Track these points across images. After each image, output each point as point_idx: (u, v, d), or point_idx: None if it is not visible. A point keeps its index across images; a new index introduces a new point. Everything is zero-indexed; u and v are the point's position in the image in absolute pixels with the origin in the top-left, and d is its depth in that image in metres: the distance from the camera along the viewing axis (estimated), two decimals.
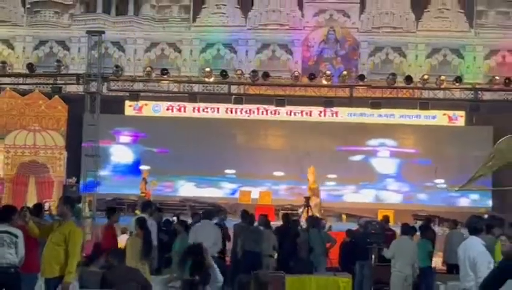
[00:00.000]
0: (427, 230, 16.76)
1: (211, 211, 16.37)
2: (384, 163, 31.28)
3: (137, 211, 21.46)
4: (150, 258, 14.02)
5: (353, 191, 31.06)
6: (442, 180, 29.42)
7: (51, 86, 27.23)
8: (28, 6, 33.78)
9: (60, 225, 10.87)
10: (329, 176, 30.76)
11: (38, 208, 14.07)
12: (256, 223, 16.73)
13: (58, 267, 10.43)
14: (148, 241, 14.31)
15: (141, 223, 14.93)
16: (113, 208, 16.15)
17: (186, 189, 30.66)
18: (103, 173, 27.87)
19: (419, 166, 30.72)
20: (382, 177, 31.23)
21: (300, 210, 24.85)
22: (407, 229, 15.41)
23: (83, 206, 20.46)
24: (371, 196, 30.91)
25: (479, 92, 28.53)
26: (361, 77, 29.64)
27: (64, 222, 10.80)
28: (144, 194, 26.20)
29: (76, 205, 17.36)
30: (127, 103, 30.56)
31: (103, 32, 22.89)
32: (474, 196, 28.33)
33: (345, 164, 30.95)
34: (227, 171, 29.97)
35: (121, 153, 31.27)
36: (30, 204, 19.80)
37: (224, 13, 33.51)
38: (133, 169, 30.72)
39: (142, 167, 30.46)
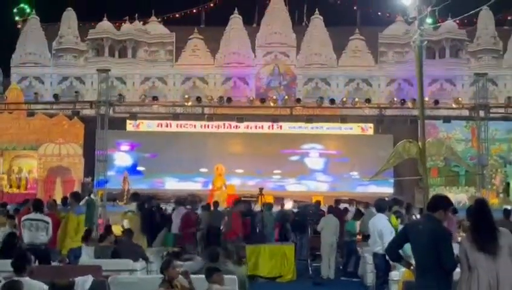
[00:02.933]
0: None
1: (183, 199, 16.27)
2: (315, 161, 31.32)
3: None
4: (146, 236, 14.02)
5: (293, 182, 31.03)
6: (357, 173, 29.66)
7: (71, 110, 27.17)
8: (53, 52, 33.54)
9: (68, 212, 11.15)
10: (275, 171, 30.93)
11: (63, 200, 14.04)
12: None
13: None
14: (145, 221, 14.29)
15: (140, 207, 14.89)
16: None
17: (171, 183, 30.38)
18: (110, 173, 27.75)
19: (340, 163, 30.90)
20: (313, 172, 31.26)
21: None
22: (332, 210, 15.59)
23: (96, 198, 20.23)
24: (305, 186, 30.85)
25: (383, 109, 28.86)
26: (298, 100, 29.98)
27: (71, 211, 11.10)
28: (124, 190, 25.95)
29: (88, 197, 17.28)
30: (128, 121, 30.44)
31: (109, 70, 22.64)
32: (381, 184, 28.50)
33: (287, 163, 31.00)
34: (201, 169, 29.86)
35: (123, 158, 30.96)
36: (57, 197, 19.81)
37: (198, 55, 33.52)
38: (132, 170, 30.38)
39: (139, 168, 30.50)
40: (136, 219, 14.50)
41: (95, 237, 12.28)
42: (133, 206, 16.04)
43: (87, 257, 10.87)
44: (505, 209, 15.46)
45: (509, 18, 33.46)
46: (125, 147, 31.21)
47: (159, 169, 30.71)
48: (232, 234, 14.57)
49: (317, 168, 31.35)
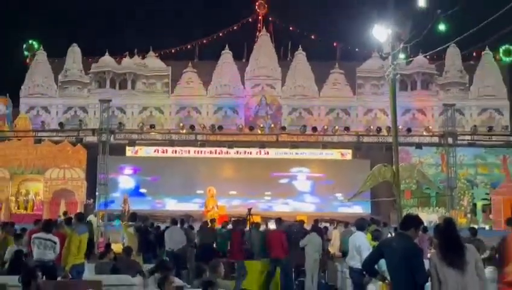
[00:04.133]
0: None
1: (175, 219, 16.18)
2: (302, 184, 31.23)
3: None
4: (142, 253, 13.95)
5: (282, 203, 30.82)
6: (340, 194, 29.54)
7: (75, 137, 27.10)
8: (59, 84, 33.56)
9: (72, 231, 11.19)
10: (266, 193, 30.79)
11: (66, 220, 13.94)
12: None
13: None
14: (141, 240, 14.21)
15: (137, 229, 14.80)
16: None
17: (171, 204, 30.21)
18: (115, 195, 27.98)
19: (326, 185, 30.77)
20: (301, 193, 31.14)
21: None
22: (316, 228, 15.54)
23: (97, 218, 20.13)
24: (293, 207, 30.64)
25: (360, 137, 28.97)
26: (283, 128, 30.05)
27: (74, 230, 11.17)
28: (125, 211, 25.75)
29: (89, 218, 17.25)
30: (127, 148, 30.44)
31: (110, 100, 22.67)
32: (359, 205, 28.50)
33: (276, 185, 30.92)
34: (198, 191, 29.74)
35: (126, 181, 30.84)
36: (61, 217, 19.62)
37: (192, 87, 33.64)
38: (135, 192, 30.40)
39: (142, 190, 30.43)
40: (134, 238, 14.44)
41: (95, 254, 12.20)
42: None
43: (89, 272, 10.85)
44: (471, 228, 15.53)
45: (474, 54, 33.75)
46: (128, 171, 31.12)
47: (160, 191, 30.64)
48: (236, 253, 14.51)
49: (305, 190, 31.26)
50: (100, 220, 19.91)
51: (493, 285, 7.59)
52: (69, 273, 10.41)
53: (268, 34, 34.88)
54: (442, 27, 11.00)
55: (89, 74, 33.75)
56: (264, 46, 34.00)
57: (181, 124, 31.03)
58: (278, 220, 15.23)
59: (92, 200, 26.91)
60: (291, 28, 37.12)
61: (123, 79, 33.66)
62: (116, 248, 14.08)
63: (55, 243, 10.80)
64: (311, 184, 31.22)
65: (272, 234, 14.78)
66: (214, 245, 15.79)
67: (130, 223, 15.80)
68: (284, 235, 14.47)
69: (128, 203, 26.43)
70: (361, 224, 11.04)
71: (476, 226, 19.46)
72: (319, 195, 30.96)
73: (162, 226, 17.10)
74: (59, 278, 10.27)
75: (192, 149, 30.92)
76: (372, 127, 30.74)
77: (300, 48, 34.07)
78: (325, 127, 30.76)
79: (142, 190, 30.84)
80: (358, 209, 28.61)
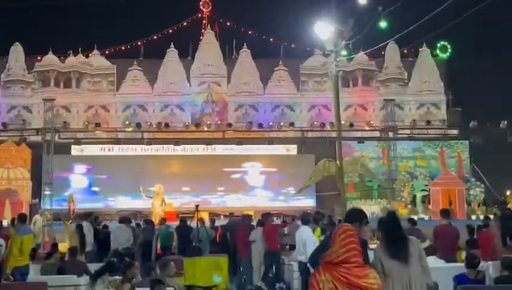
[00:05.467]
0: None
1: (124, 217, 15.87)
2: (254, 178, 31.03)
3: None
4: (84, 252, 13.65)
5: (235, 198, 30.48)
6: (292, 188, 29.30)
7: (19, 137, 26.34)
8: (2, 83, 32.53)
9: (14, 232, 10.85)
10: (219, 188, 30.47)
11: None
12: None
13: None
14: (82, 241, 13.90)
15: (78, 228, 14.51)
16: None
17: (122, 202, 29.62)
18: (66, 194, 27.40)
19: (277, 180, 30.50)
20: (253, 188, 30.93)
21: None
22: (261, 223, 15.45)
23: (42, 218, 19.57)
24: (246, 201, 30.21)
25: (305, 132, 29.20)
26: (230, 125, 29.96)
27: (17, 231, 10.81)
28: (70, 209, 25.20)
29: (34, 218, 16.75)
30: (73, 146, 29.81)
31: (54, 99, 22.21)
32: (305, 199, 28.63)
33: (229, 180, 30.61)
34: (151, 188, 29.17)
35: (78, 180, 30.10)
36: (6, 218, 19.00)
37: (137, 85, 33.17)
38: (88, 190, 29.92)
39: (94, 188, 29.84)
40: (76, 236, 14.10)
41: (41, 254, 11.82)
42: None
43: (34, 274, 10.50)
44: (410, 219, 15.77)
45: (412, 51, 34.43)
46: (80, 169, 30.38)
47: (111, 189, 29.95)
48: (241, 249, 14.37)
49: (257, 185, 31.08)
50: (45, 220, 19.35)
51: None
52: (10, 275, 10.02)
53: (213, 32, 34.70)
54: (382, 24, 11.10)
55: (33, 73, 32.80)
56: (209, 44, 33.80)
57: (127, 122, 30.57)
58: (266, 215, 15.11)
59: (37, 199, 26.18)
60: (235, 26, 37.01)
61: (67, 78, 32.87)
62: (62, 247, 13.69)
63: (0, 245, 10.40)
64: (263, 179, 31.12)
65: (266, 229, 14.68)
66: (158, 243, 15.55)
67: (72, 223, 15.44)
68: (276, 229, 14.49)
69: (73, 201, 25.82)
70: (305, 218, 11.06)
71: (416, 217, 19.82)
72: (272, 189, 30.88)
73: (111, 224, 16.79)
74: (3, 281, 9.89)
75: (139, 147, 30.47)
76: (316, 122, 31.06)
77: (245, 46, 34.03)
78: (271, 123, 30.87)
79: (95, 188, 30.19)
80: (304, 203, 28.70)
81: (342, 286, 3.84)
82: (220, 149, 30.72)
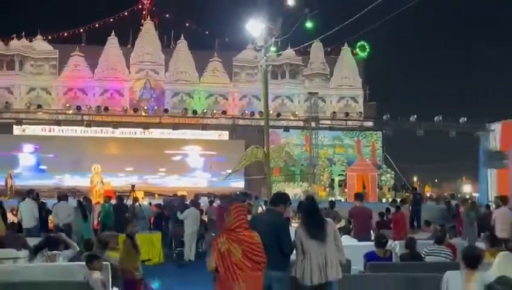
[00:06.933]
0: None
1: (63, 194, 15.34)
2: (195, 161, 30.81)
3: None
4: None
5: (176, 179, 30.19)
6: (229, 171, 29.03)
7: None
8: None
9: None
10: (160, 169, 30.21)
11: None
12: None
13: None
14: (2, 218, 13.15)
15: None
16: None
17: (69, 180, 28.95)
18: (17, 171, 26.91)
19: (216, 162, 30.26)
20: (193, 170, 30.72)
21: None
22: (195, 203, 15.46)
23: None
24: (187, 182, 29.95)
25: (236, 120, 29.27)
26: (166, 111, 29.63)
27: None
28: (8, 186, 24.25)
29: None
30: (15, 127, 28.76)
31: None
32: (235, 181, 28.69)
33: (170, 162, 30.32)
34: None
35: (26, 158, 29.27)
36: None
37: (78, 70, 32.20)
38: (36, 168, 29.23)
39: (42, 167, 28.81)
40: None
41: None
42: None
43: None
44: (330, 201, 16.16)
45: (335, 49, 35.00)
46: (28, 148, 29.45)
47: (58, 167, 29.21)
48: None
49: (197, 167, 30.87)
50: None
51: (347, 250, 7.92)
52: None
53: (152, 23, 34.09)
54: (309, 25, 11.26)
55: None
56: (148, 33, 33.21)
57: (67, 105, 29.73)
58: (196, 196, 15.03)
59: None
60: (174, 19, 36.51)
61: (10, 60, 31.48)
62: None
63: None
64: (204, 161, 30.92)
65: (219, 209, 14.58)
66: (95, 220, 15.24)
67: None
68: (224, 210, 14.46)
69: (12, 178, 24.86)
70: (234, 198, 11.15)
71: (333, 199, 20.29)
72: (211, 171, 30.63)
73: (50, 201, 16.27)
74: None
75: (79, 129, 29.71)
76: (246, 111, 31.13)
77: (182, 37, 33.66)
78: (205, 110, 30.74)
79: (43, 167, 29.42)
80: (237, 185, 28.77)
81: (234, 244, 4.87)
82: (157, 133, 30.36)
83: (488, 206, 15.58)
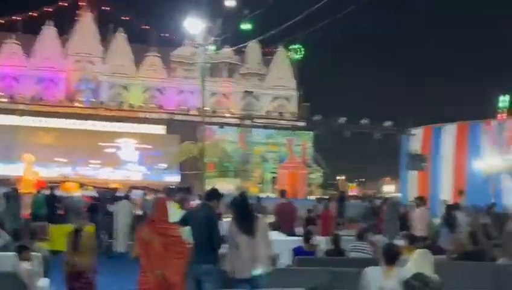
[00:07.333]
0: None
1: None
2: (129, 154, 30.23)
3: None
4: None
5: (110, 171, 29.55)
6: (166, 165, 28.58)
7: None
8: None
9: None
10: (94, 161, 29.46)
11: None
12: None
13: None
14: None
15: None
16: None
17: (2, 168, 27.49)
18: None
19: (152, 156, 29.97)
20: (127, 163, 30.16)
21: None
22: (126, 196, 15.16)
23: None
24: (121, 174, 29.43)
25: (172, 115, 29.05)
26: (102, 103, 28.99)
27: None
28: None
29: None
30: None
31: None
32: (172, 175, 28.38)
33: (103, 154, 29.65)
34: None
35: None
36: None
37: (13, 58, 31.03)
38: None
39: None
40: None
41: None
42: None
43: None
44: (257, 197, 16.31)
45: (271, 50, 35.32)
46: None
47: None
48: None
49: (132, 160, 30.33)
50: None
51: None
52: None
53: (91, 15, 33.26)
54: (247, 25, 11.35)
55: None
56: (86, 25, 32.44)
57: (1, 93, 28.60)
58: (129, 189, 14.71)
59: None
60: (114, 11, 35.72)
61: None
62: None
63: None
64: (139, 154, 30.35)
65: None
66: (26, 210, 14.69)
67: None
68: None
69: None
70: (168, 192, 11.06)
71: (265, 195, 20.51)
72: (147, 165, 30.20)
73: None
74: None
75: (12, 117, 28.59)
76: (183, 106, 30.94)
77: (121, 30, 33.04)
78: (141, 104, 30.31)
79: None
80: (172, 179, 28.49)
81: (155, 235, 5.11)
82: (92, 125, 29.68)
83: (408, 206, 16.18)
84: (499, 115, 22.29)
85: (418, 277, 3.77)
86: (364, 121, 29.73)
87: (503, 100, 26.52)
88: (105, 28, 34.04)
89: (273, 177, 29.81)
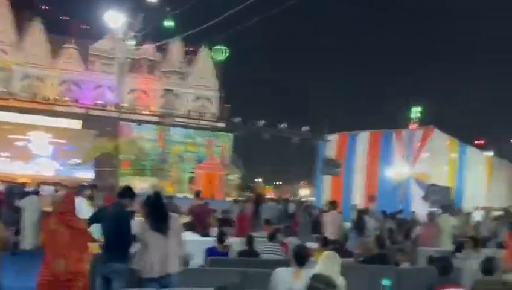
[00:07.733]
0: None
1: None
2: (41, 148, 28.84)
3: None
4: None
5: (21, 165, 28.07)
6: (79, 161, 27.80)
7: None
8: None
9: None
10: (1, 154, 28.03)
11: None
12: None
13: None
14: None
15: None
16: None
17: None
18: None
19: (66, 151, 28.73)
20: (38, 157, 28.78)
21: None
22: (35, 192, 14.59)
23: None
24: (30, 169, 28.07)
25: (89, 109, 28.24)
26: (13, 94, 27.70)
27: None
28: None
29: None
30: None
31: None
32: (85, 171, 27.48)
33: (14, 147, 28.19)
34: None
35: None
36: None
37: None
38: None
39: None
40: None
41: None
42: None
43: None
44: (168, 196, 16.14)
45: (194, 50, 35.18)
46: None
47: None
48: None
49: (44, 154, 28.94)
50: None
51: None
52: None
53: (7, 2, 31.63)
54: (169, 23, 11.25)
55: None
56: (0, 12, 30.83)
57: None
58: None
59: None
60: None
61: None
62: None
63: None
64: (52, 149, 29.09)
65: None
66: None
67: None
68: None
69: None
70: (79, 188, 10.79)
71: (182, 195, 20.36)
72: (60, 160, 29.03)
73: None
74: None
75: None
76: (100, 101, 30.16)
77: (39, 18, 31.71)
78: (57, 97, 29.23)
79: None
80: (86, 175, 27.64)
81: (62, 225, 5.45)
82: (1, 116, 28.22)
83: (321, 210, 16.61)
84: (411, 125, 23.39)
85: (318, 278, 3.88)
86: (283, 125, 30.27)
87: (415, 111, 27.92)
88: (21, 15, 32.55)
89: (191, 178, 29.69)
